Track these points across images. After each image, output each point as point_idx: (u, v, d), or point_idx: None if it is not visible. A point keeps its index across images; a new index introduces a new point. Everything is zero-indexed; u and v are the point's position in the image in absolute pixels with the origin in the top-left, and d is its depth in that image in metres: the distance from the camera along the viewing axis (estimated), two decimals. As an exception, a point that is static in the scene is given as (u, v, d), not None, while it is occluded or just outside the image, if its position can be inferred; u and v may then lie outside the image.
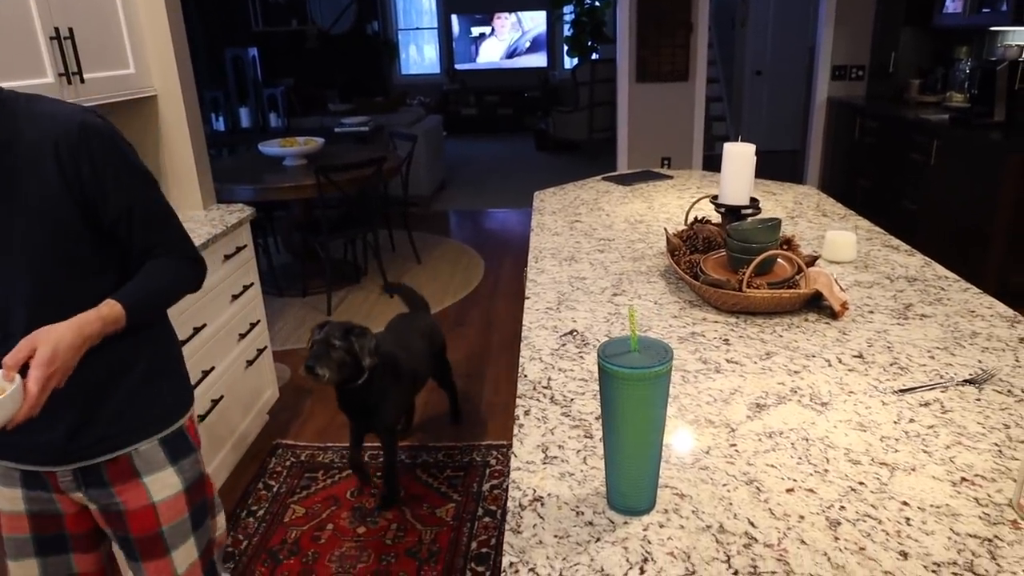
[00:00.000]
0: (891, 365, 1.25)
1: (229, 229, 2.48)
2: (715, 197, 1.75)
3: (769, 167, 7.32)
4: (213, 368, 2.32)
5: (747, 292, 1.44)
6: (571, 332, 1.46)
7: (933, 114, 4.36)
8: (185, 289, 1.29)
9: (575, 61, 9.66)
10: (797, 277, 1.53)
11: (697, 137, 5.75)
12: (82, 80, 2.10)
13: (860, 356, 1.29)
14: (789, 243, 1.65)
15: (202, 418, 2.25)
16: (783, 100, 7.85)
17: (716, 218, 1.95)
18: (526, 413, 1.16)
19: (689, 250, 1.72)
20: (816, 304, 1.52)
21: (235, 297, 2.50)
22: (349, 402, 2.24)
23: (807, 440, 1.04)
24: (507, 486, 2.39)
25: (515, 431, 1.12)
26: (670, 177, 2.84)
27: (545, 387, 1.24)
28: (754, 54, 7.91)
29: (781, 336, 1.40)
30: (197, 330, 2.23)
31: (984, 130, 3.69)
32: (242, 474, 2.53)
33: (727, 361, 1.30)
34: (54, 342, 1.03)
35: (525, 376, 1.28)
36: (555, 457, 1.04)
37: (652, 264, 1.84)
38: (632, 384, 0.83)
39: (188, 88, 2.61)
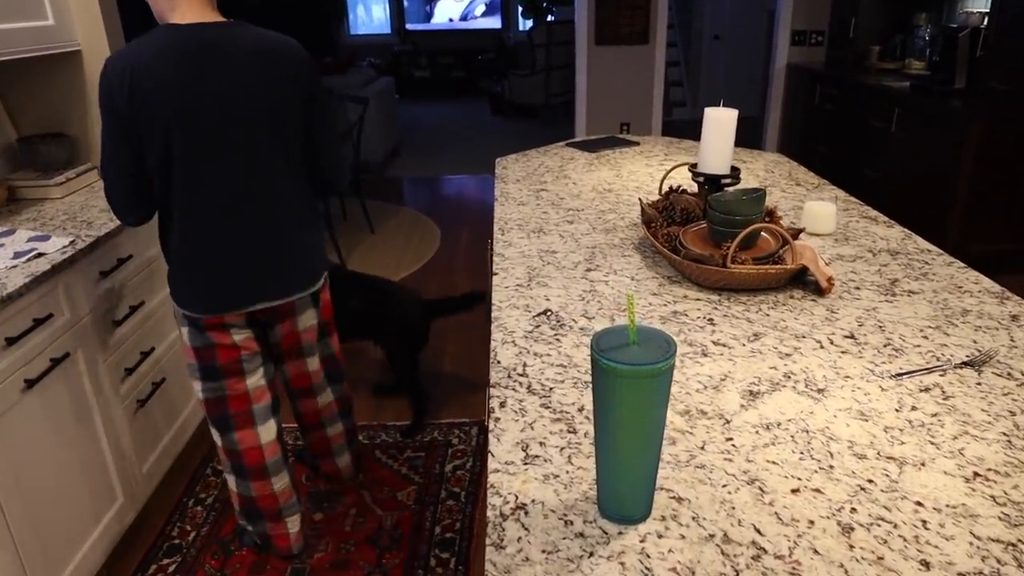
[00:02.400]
0: (884, 346, 1.19)
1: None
2: (693, 166, 1.65)
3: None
4: (153, 349, 2.14)
5: (732, 268, 1.36)
6: (545, 312, 1.35)
7: (893, 81, 4.35)
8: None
9: (530, 23, 9.43)
10: (782, 251, 1.45)
11: (657, 102, 5.66)
12: (-13, 31, 1.87)
13: (852, 336, 1.22)
14: (771, 215, 1.56)
15: (142, 403, 2.08)
16: (741, 65, 7.80)
17: (692, 187, 1.86)
18: (502, 405, 1.06)
19: (666, 222, 1.62)
20: (801, 280, 1.44)
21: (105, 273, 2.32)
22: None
23: (807, 432, 0.96)
24: (470, 468, 2.31)
25: (491, 425, 1.01)
26: (636, 143, 2.74)
27: (521, 374, 1.13)
28: (713, 17, 7.82)
29: (768, 315, 1.32)
30: (134, 308, 2.05)
31: (945, 97, 3.69)
32: (189, 459, 2.38)
33: (714, 343, 1.22)
34: None
35: (498, 362, 1.18)
36: (537, 456, 0.94)
37: (625, 236, 1.74)
38: (632, 382, 0.73)
39: (117, 42, 2.37)
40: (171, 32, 1.49)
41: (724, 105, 1.60)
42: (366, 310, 2.54)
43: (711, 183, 1.61)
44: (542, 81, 8.13)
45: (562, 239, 1.73)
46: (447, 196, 5.65)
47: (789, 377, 1.10)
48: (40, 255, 1.75)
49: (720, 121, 1.54)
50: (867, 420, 0.99)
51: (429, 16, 10.45)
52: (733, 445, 0.94)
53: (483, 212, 5.13)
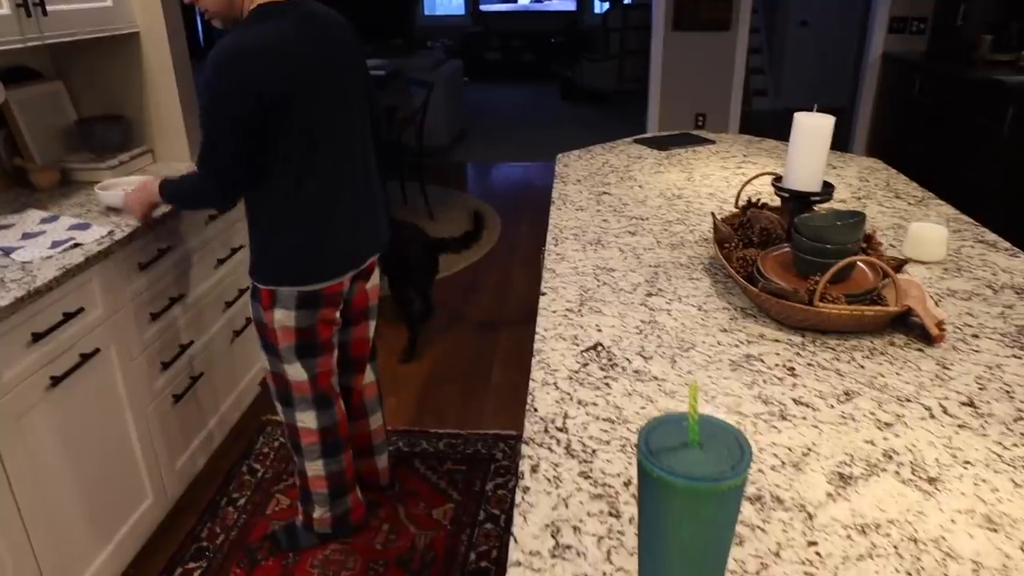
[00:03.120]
0: (1016, 420, 0.96)
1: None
2: (778, 178, 1.43)
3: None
4: (192, 343, 2.07)
5: (820, 307, 1.15)
6: (595, 346, 1.17)
7: (1007, 75, 3.92)
8: (194, 200, 1.72)
9: (605, 5, 9.11)
10: (881, 287, 1.22)
11: (736, 93, 5.32)
12: (44, 12, 1.80)
13: (971, 404, 1.00)
14: (870, 240, 1.33)
15: (178, 398, 2.01)
16: (830, 54, 7.32)
17: (775, 200, 1.63)
18: (533, 469, 0.89)
19: (742, 242, 1.41)
20: (903, 322, 1.22)
21: (221, 261, 2.24)
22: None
23: (915, 542, 0.76)
24: (512, 488, 2.15)
25: (518, 498, 0.85)
26: (712, 142, 2.50)
27: (560, 428, 0.96)
28: (800, 2, 7.34)
29: (862, 367, 1.10)
30: (174, 300, 1.97)
31: (1068, 97, 3.28)
32: (226, 454, 2.31)
33: (795, 402, 1.02)
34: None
35: (535, 410, 1.01)
36: (569, 547, 0.77)
37: (694, 254, 1.54)
38: (691, 500, 0.55)
39: (175, 25, 2.30)
40: (285, 11, 1.50)
41: (817, 109, 1.38)
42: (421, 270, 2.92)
43: (797, 201, 1.39)
44: (615, 67, 7.84)
45: (622, 254, 1.54)
46: (510, 184, 5.48)
47: (890, 457, 0.90)
48: (77, 245, 1.68)
49: (813, 129, 1.31)
50: (996, 530, 0.77)
51: (503, -3, 10.25)
52: (817, 553, 0.75)
53: (545, 204, 4.94)
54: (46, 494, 1.54)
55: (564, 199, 1.92)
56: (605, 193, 1.96)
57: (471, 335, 3.12)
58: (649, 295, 1.35)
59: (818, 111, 1.33)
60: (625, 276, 1.43)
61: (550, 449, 0.92)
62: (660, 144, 2.47)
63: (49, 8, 1.83)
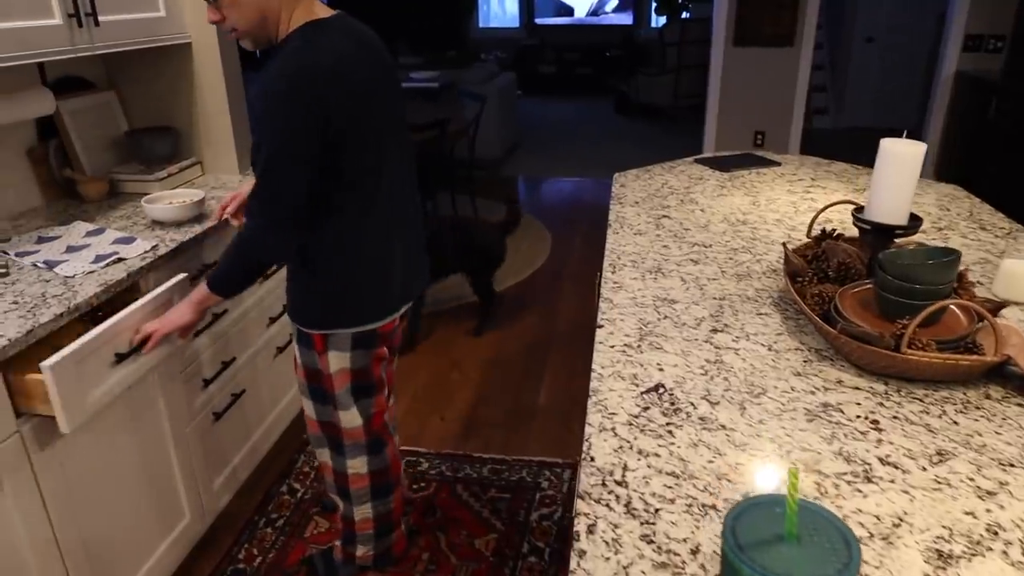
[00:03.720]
0: None
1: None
2: (858, 208, 1.32)
3: (870, 149, 6.58)
4: (234, 359, 2.05)
5: (909, 354, 1.04)
6: (656, 388, 1.09)
7: (1091, 98, 3.69)
8: (255, 268, 1.46)
9: (663, 19, 9.00)
10: (975, 332, 1.11)
11: (798, 111, 5.15)
12: (96, 23, 1.81)
13: (1087, 475, 0.88)
14: (960, 279, 1.22)
15: (219, 416, 1.99)
16: (897, 72, 7.05)
17: (850, 230, 1.53)
18: (590, 530, 0.81)
19: (817, 276, 1.31)
20: (1000, 372, 1.10)
21: (266, 277, 2.22)
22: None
23: (1035, 644, 0.66)
24: (558, 520, 2.07)
25: (573, 563, 0.77)
26: (777, 164, 2.39)
27: (619, 482, 0.88)
28: (866, 17, 7.11)
29: (955, 423, 0.99)
30: (217, 316, 1.96)
31: None
32: (266, 471, 2.28)
33: (881, 461, 0.92)
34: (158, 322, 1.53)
35: (591, 459, 0.93)
36: (630, 626, 0.69)
37: (762, 286, 1.44)
38: (786, 607, 0.47)
39: (227, 36, 2.30)
40: (333, 26, 1.38)
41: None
42: (461, 248, 3.04)
43: (880, 234, 1.28)
44: (671, 81, 7.72)
45: (684, 284, 1.45)
46: (561, 200, 5.41)
47: (996, 533, 0.79)
48: (120, 260, 1.67)
49: (901, 157, 1.21)
50: None
51: (559, 10, 10.22)
52: (918, 652, 0.65)
53: (597, 220, 4.86)
54: (81, 513, 1.52)
55: (622, 222, 1.84)
56: (665, 216, 1.87)
57: (519, 355, 3.06)
58: (714, 331, 1.26)
59: (906, 136, 1.23)
60: (688, 309, 1.34)
61: (608, 506, 0.84)
62: (722, 165, 2.37)
63: (101, 18, 1.83)
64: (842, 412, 1.02)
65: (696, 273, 1.51)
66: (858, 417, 1.01)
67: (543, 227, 4.68)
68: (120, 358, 1.45)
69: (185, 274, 1.69)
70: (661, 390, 1.08)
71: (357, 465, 1.67)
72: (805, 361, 1.16)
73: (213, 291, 1.48)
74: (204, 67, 2.29)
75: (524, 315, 3.39)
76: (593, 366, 1.15)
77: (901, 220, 1.24)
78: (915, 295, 1.11)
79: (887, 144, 1.22)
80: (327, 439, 1.67)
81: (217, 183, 2.35)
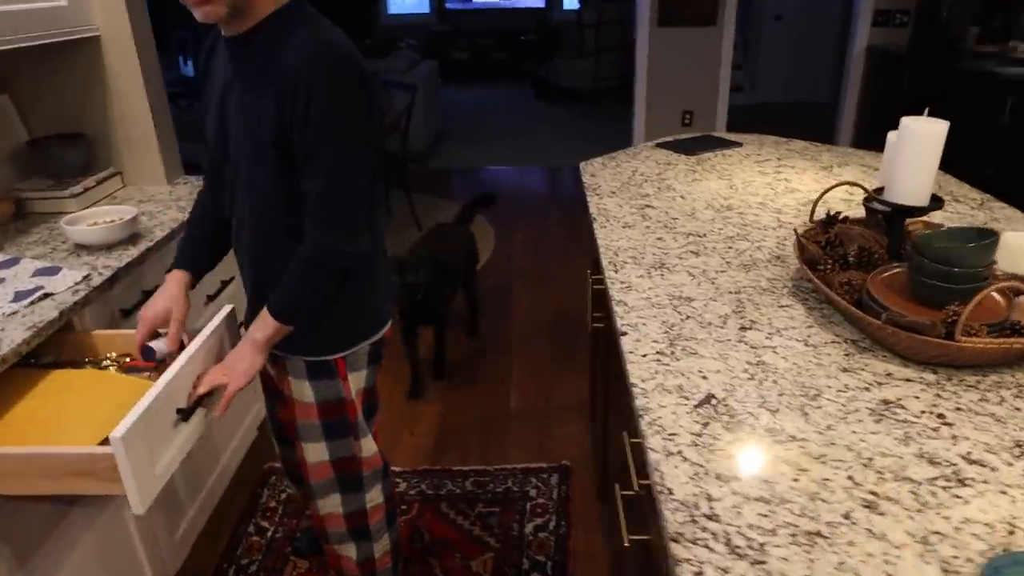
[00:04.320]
0: None
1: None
2: (879, 190, 1.28)
3: (789, 123, 6.81)
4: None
5: (964, 342, 1.00)
6: (708, 399, 1.01)
7: (996, 66, 3.87)
8: (327, 280, 1.25)
9: (575, 2, 8.98)
10: (1012, 312, 1.08)
11: (723, 89, 5.22)
12: (-10, 16, 1.56)
13: None
14: (986, 258, 1.19)
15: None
16: (808, 48, 7.29)
17: (852, 210, 1.49)
18: (696, 577, 0.72)
19: (837, 263, 1.26)
20: (1044, 353, 1.07)
21: (211, 298, 2.01)
22: (410, 310, 2.57)
23: None
24: (554, 530, 1.98)
25: (691, 621, 0.68)
26: (738, 144, 2.36)
27: (709, 516, 0.79)
28: (774, -3, 7.30)
29: (1018, 409, 0.96)
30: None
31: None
32: (227, 512, 2.08)
33: (965, 460, 0.87)
34: (231, 366, 1.28)
35: (669, 492, 0.83)
36: None
37: (773, 276, 1.38)
38: None
39: (141, 27, 2.05)
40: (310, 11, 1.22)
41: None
42: (468, 257, 2.94)
43: (899, 215, 1.24)
44: (591, 65, 7.71)
45: (693, 279, 1.38)
46: (496, 190, 5.29)
47: (1114, 534, 0.75)
48: (47, 295, 1.44)
49: (923, 135, 1.17)
50: None
51: (468, -4, 10.04)
52: None
53: (536, 208, 4.78)
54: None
55: (605, 215, 1.75)
56: (648, 207, 1.80)
57: (481, 359, 2.94)
58: (743, 329, 1.19)
59: (928, 115, 1.18)
60: (707, 306, 1.27)
61: (708, 547, 0.75)
62: (685, 148, 2.32)
63: (-4, 10, 1.58)
64: (905, 408, 0.97)
65: (701, 266, 1.44)
66: (923, 413, 0.96)
67: (483, 220, 4.56)
68: (182, 415, 1.19)
69: (231, 306, 1.43)
70: (714, 401, 1.00)
71: (375, 496, 1.51)
72: (846, 355, 1.10)
73: (286, 323, 1.25)
74: (117, 63, 2.04)
75: (479, 317, 3.27)
76: (632, 380, 1.06)
77: (923, 201, 1.20)
78: (954, 279, 1.07)
79: (909, 123, 1.17)
80: (341, 480, 1.47)
81: (143, 196, 2.11)
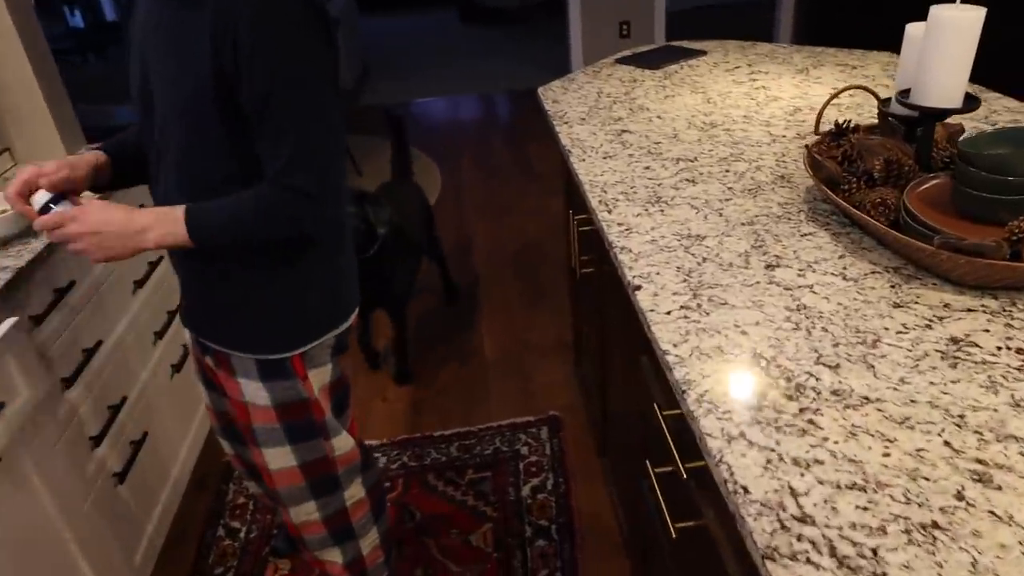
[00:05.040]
0: None
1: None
2: (904, 92, 1.12)
3: (728, 25, 6.61)
4: (124, 400, 1.62)
5: (1037, 262, 0.86)
6: (754, 359, 0.86)
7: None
8: (273, 230, 1.04)
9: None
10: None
11: (660, -6, 4.97)
12: None
13: None
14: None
15: (122, 476, 1.57)
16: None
17: (863, 117, 1.34)
18: (807, 605, 0.58)
19: (862, 180, 1.11)
20: (1110, 261, 0.96)
21: (139, 284, 1.76)
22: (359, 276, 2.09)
23: None
24: (553, 488, 1.87)
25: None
26: (702, 53, 2.17)
27: (800, 518, 0.65)
28: None
29: (1104, 334, 0.84)
30: (89, 353, 1.51)
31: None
32: (191, 517, 1.88)
33: (1069, 405, 0.74)
34: (93, 210, 1.00)
35: (744, 491, 0.69)
36: None
37: (784, 200, 1.23)
38: None
39: (10, -28, 1.72)
40: None
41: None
42: (426, 219, 2.55)
43: (927, 121, 1.09)
44: (516, -20, 7.29)
45: (697, 212, 1.22)
46: (434, 123, 5.00)
47: None
48: (-61, 310, 1.19)
49: (956, 25, 1.00)
50: None
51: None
52: None
53: (478, 139, 4.52)
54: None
55: (580, 146, 1.55)
56: (625, 131, 1.61)
57: (447, 308, 2.76)
58: (770, 267, 1.04)
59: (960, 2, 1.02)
60: (722, 243, 1.11)
61: (812, 563, 0.61)
62: (648, 62, 2.11)
63: None
64: (979, 346, 0.84)
65: (702, 195, 1.27)
66: (1000, 349, 0.83)
67: (425, 157, 4.29)
68: None
69: (15, 318, 1.21)
70: (761, 362, 0.85)
71: (355, 491, 1.32)
72: (892, 286, 0.97)
73: (195, 241, 1.02)
74: (-16, 18, 1.71)
75: (453, 278, 3.04)
76: (663, 346, 0.90)
77: (956, 102, 1.05)
78: (1010, 189, 0.93)
79: (938, 12, 1.01)
80: (314, 486, 1.26)
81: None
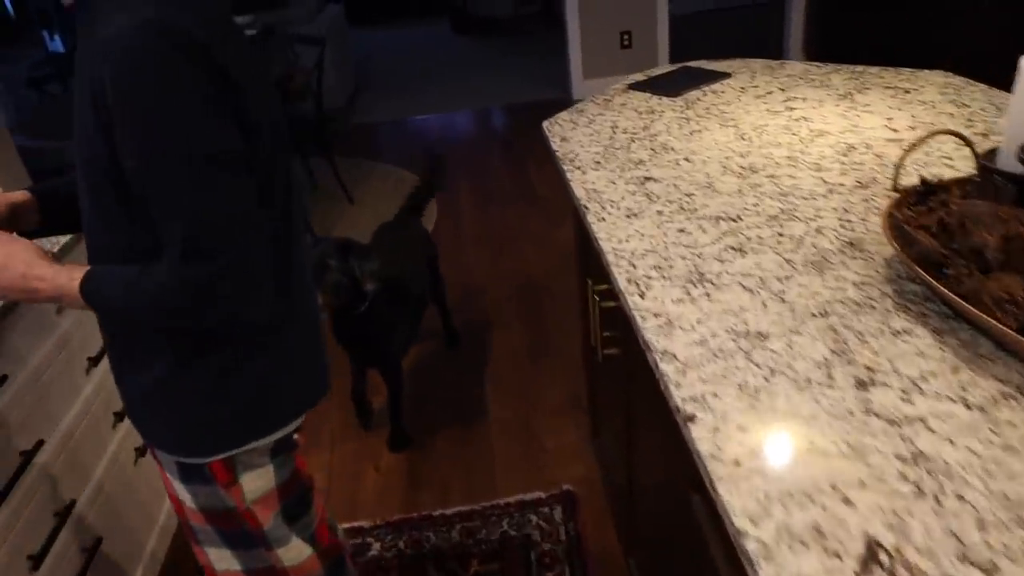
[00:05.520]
0: None
1: (73, 242, 1.45)
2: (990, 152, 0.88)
3: (733, 32, 6.36)
4: (74, 503, 1.38)
5: None
6: (871, 554, 0.61)
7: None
8: (173, 322, 0.88)
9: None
10: None
11: (662, 2, 4.74)
12: None
13: None
14: None
15: (69, 591, 1.33)
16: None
17: (934, 158, 1.10)
18: None
19: (970, 262, 0.87)
20: None
21: (94, 361, 1.52)
22: (348, 333, 1.98)
23: None
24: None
25: None
26: (725, 75, 1.93)
27: None
28: None
29: None
30: (28, 456, 1.26)
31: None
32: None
33: None
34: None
35: None
36: None
37: (860, 278, 0.99)
38: None
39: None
40: None
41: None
42: (430, 264, 2.34)
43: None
44: (510, -12, 7.07)
45: (752, 296, 0.97)
46: (428, 142, 4.76)
47: None
48: None
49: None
50: None
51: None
52: None
53: (476, 158, 4.28)
54: None
55: (598, 199, 1.31)
56: (649, 179, 1.37)
57: (445, 356, 2.51)
58: (862, 385, 0.79)
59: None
60: (792, 346, 0.87)
61: None
62: (666, 89, 1.87)
63: None
64: None
65: (755, 271, 1.03)
66: None
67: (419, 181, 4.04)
68: None
69: None
70: (882, 556, 0.61)
71: None
72: (1034, 418, 0.72)
73: (89, 304, 0.89)
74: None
75: (454, 323, 2.77)
76: (737, 524, 0.66)
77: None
78: None
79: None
80: None
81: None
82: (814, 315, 0.92)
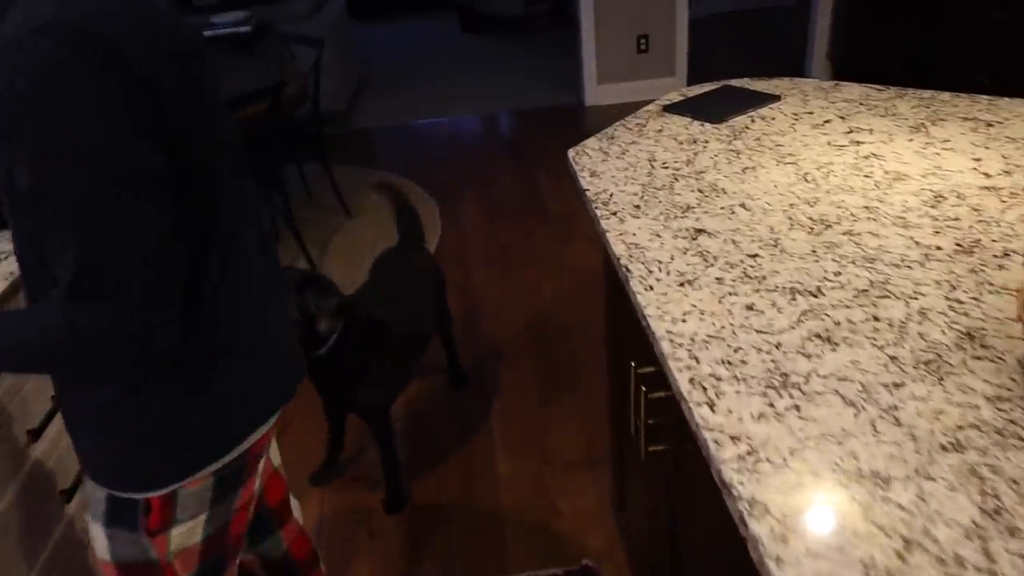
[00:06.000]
0: None
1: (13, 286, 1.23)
2: None
3: (753, 36, 6.13)
4: None
5: None
6: None
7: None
8: (45, 358, 0.81)
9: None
10: None
11: (681, 5, 4.51)
12: None
13: None
14: None
15: None
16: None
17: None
18: None
19: None
20: None
21: (36, 433, 1.29)
22: (315, 378, 1.75)
23: None
24: None
25: None
26: (774, 98, 1.71)
27: None
28: None
29: None
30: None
31: None
32: None
33: None
34: None
35: None
36: None
37: (993, 388, 0.77)
38: None
39: None
40: None
41: None
42: (437, 293, 2.09)
43: None
44: (520, -14, 6.83)
45: (857, 415, 0.75)
46: (432, 149, 4.53)
47: None
48: None
49: None
50: None
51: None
52: None
53: (483, 167, 4.05)
54: None
55: (642, 259, 1.09)
56: (702, 232, 1.15)
57: (450, 397, 2.29)
58: (1037, 575, 0.57)
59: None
60: (924, 497, 0.65)
61: None
62: (708, 113, 1.65)
63: None
64: None
65: (853, 373, 0.81)
66: None
67: (422, 191, 3.82)
68: None
69: None
70: None
71: None
72: None
73: None
74: None
75: (460, 361, 2.52)
76: None
77: None
78: None
79: None
80: None
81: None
82: (944, 448, 0.70)
